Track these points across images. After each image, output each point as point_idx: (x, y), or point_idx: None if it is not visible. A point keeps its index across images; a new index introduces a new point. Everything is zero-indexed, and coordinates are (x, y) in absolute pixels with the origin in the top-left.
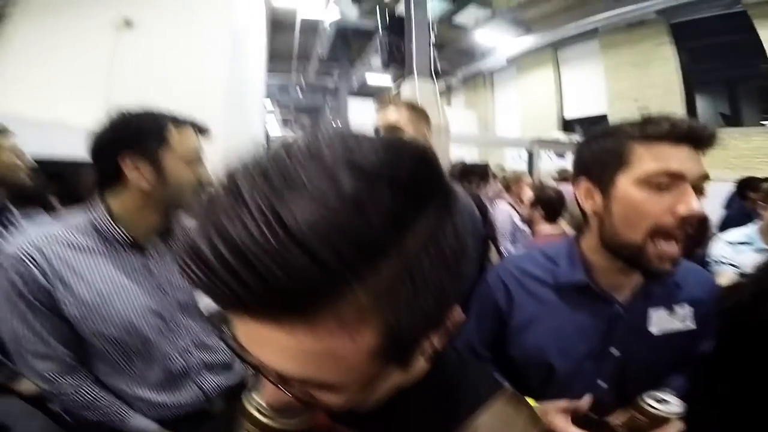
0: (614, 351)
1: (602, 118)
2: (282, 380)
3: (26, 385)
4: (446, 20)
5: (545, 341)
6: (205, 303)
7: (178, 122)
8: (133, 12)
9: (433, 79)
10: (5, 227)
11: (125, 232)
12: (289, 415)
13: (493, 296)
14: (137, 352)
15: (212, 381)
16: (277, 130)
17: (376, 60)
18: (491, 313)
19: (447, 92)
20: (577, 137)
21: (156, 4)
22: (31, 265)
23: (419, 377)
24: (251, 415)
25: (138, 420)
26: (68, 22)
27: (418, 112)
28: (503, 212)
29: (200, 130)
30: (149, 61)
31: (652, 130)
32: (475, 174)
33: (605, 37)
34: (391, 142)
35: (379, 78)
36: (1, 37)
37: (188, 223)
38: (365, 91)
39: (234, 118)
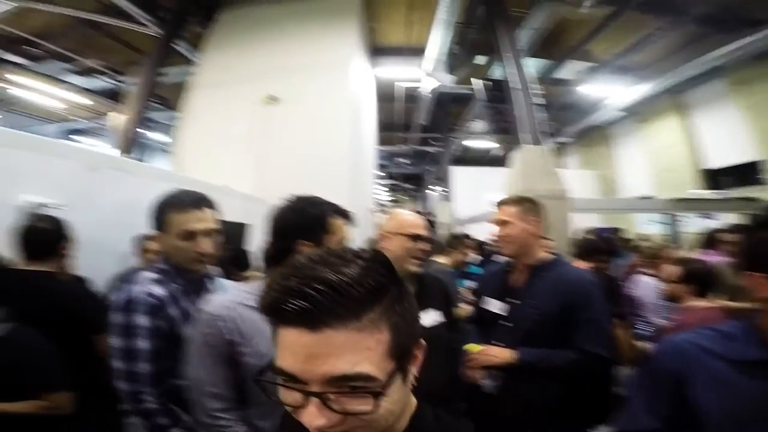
0: None
1: (751, 166)
2: (328, 387)
3: None
4: (547, 78)
5: (723, 418)
6: None
7: (335, 212)
8: (276, 89)
9: (542, 142)
10: (206, 291)
11: None
12: None
13: (669, 370)
14: None
15: None
16: (384, 197)
17: (477, 125)
18: (666, 387)
19: (560, 152)
20: (726, 191)
21: (292, 83)
22: (220, 324)
23: None
24: None
25: None
26: (230, 96)
27: (525, 204)
28: (646, 285)
29: (347, 217)
30: (289, 134)
31: None
32: (601, 252)
33: (734, 75)
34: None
35: (481, 143)
36: (185, 107)
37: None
38: (468, 157)
39: (354, 187)
